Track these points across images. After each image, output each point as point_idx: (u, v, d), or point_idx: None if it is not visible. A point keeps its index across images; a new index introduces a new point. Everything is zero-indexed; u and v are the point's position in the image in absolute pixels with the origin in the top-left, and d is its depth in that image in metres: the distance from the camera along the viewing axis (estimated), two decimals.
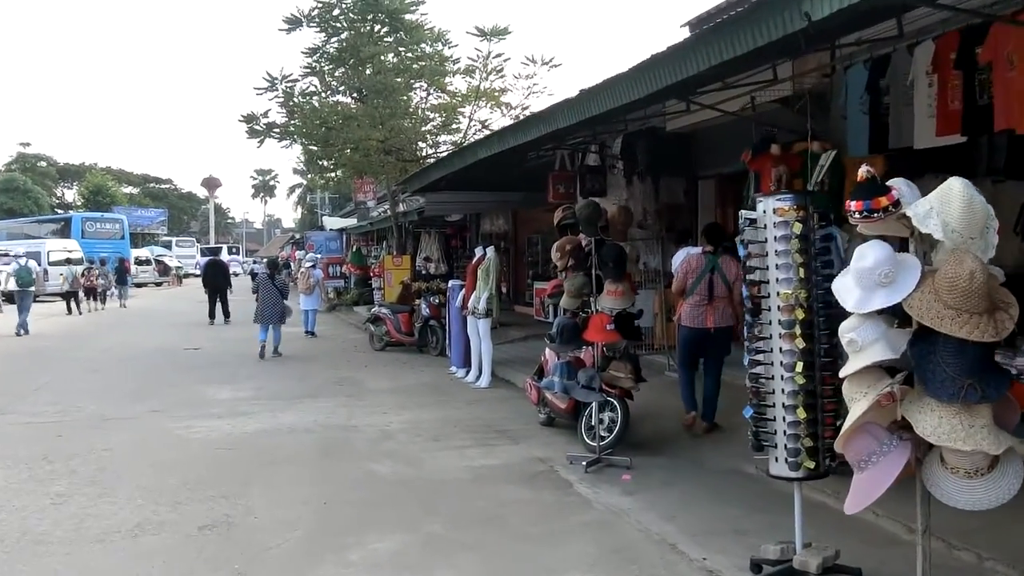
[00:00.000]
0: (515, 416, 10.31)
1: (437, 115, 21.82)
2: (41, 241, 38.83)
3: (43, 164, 75.87)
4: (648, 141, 11.57)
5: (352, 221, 38.16)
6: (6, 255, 28.32)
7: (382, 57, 20.50)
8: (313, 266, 22.22)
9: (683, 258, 8.94)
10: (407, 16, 20.66)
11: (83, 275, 29.53)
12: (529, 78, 20.49)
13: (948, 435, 3.60)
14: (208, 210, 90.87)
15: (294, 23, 19.98)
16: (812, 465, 4.65)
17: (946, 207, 3.64)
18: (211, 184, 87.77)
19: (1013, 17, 5.77)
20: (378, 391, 12.53)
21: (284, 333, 17.05)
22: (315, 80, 21.18)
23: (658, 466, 7.81)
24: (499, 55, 20.58)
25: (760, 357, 4.77)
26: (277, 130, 20.76)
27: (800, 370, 4.59)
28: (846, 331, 3.84)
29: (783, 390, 4.67)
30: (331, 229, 39.51)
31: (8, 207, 60.08)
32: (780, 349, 4.67)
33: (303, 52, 20.86)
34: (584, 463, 7.71)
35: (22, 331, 20.66)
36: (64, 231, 43.98)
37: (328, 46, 20.73)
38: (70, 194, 79.98)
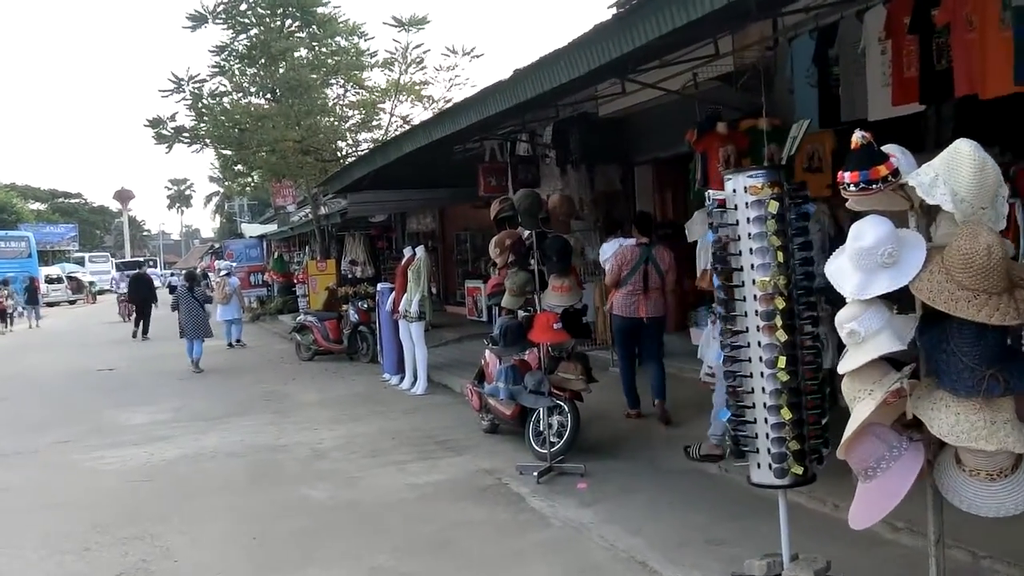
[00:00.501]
0: (456, 424, 9.73)
1: (356, 112, 21.08)
2: None
3: None
4: (580, 128, 11.10)
5: (272, 227, 37.14)
6: None
7: (295, 53, 19.63)
8: (228, 274, 21.36)
9: (615, 249, 9.03)
10: (319, 9, 19.78)
11: None
12: (451, 70, 20.01)
13: (968, 434, 3.13)
14: (122, 223, 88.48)
15: (198, 20, 18.95)
16: (800, 471, 4.16)
17: (954, 174, 3.16)
18: (124, 196, 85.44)
19: None
20: (308, 404, 11.84)
21: (206, 346, 16.38)
22: (224, 80, 20.24)
23: (614, 470, 7.30)
24: (419, 46, 20.00)
25: (736, 353, 4.25)
26: (186, 134, 19.76)
27: (783, 365, 4.09)
28: (845, 321, 3.34)
29: (764, 389, 4.16)
30: (251, 236, 38.41)
31: None
32: (759, 343, 4.16)
33: (210, 51, 19.88)
34: (535, 473, 7.16)
35: None
36: None
37: (237, 43, 19.78)
38: None
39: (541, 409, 7.52)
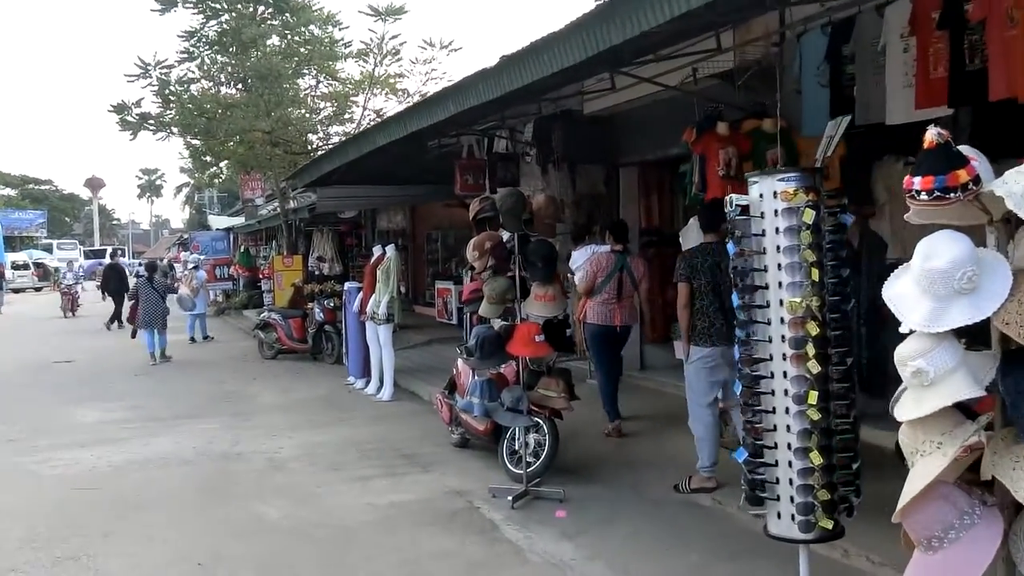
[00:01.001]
0: (423, 435, 9.08)
1: (328, 104, 20.38)
2: None
3: None
4: (564, 126, 10.53)
5: (240, 220, 36.27)
6: None
7: (267, 41, 18.90)
8: (196, 267, 20.66)
9: (588, 256, 8.88)
10: None
11: None
12: (427, 63, 19.47)
13: None
14: (92, 211, 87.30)
15: (168, 3, 18.22)
16: (829, 525, 3.57)
17: None
18: (94, 185, 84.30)
19: None
20: (268, 408, 11.14)
21: (169, 341, 15.98)
22: (193, 67, 19.50)
23: (595, 497, 6.69)
24: (395, 36, 19.39)
25: (756, 385, 3.66)
26: (152, 122, 18.96)
27: (814, 402, 3.50)
28: (911, 357, 2.74)
29: (789, 427, 3.58)
30: (217, 229, 37.50)
31: None
32: (784, 374, 3.57)
33: (179, 35, 19.08)
34: (510, 497, 6.54)
35: None
36: None
37: (207, 29, 18.99)
38: None
39: (519, 427, 6.90)
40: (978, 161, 2.72)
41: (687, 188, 7.71)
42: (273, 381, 13.34)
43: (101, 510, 6.83)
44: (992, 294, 2.66)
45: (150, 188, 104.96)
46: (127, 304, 21.38)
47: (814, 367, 3.49)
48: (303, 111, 20.10)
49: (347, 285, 13.24)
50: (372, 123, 18.44)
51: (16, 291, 42.19)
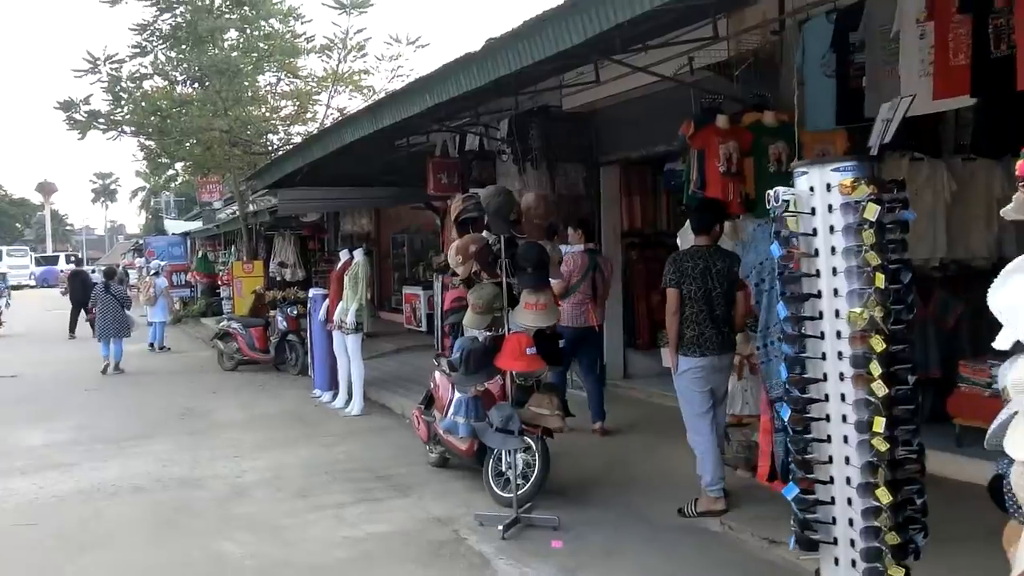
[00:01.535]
0: (398, 453, 8.50)
1: (289, 103, 19.71)
2: None
3: None
4: (542, 122, 10.01)
5: (197, 224, 35.37)
6: None
7: (224, 35, 18.19)
8: (156, 274, 19.96)
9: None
10: None
11: None
12: (393, 59, 19.06)
13: None
14: (44, 217, 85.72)
15: None
16: (900, 573, 3.05)
17: None
18: (46, 189, 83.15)
19: None
20: (229, 424, 10.47)
21: (125, 350, 15.40)
22: (146, 62, 18.74)
23: (592, 523, 6.13)
24: (360, 31, 18.90)
25: (808, 410, 3.14)
26: (102, 120, 18.16)
27: (880, 429, 2.99)
28: None
29: (848, 459, 3.06)
30: (174, 234, 36.58)
31: None
32: (843, 397, 3.05)
33: (131, 29, 18.29)
34: (500, 526, 5.96)
35: None
36: None
37: (161, 22, 18.24)
38: None
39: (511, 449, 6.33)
40: None
41: (684, 187, 7.18)
42: (234, 395, 12.65)
43: (41, 550, 6.16)
44: None
45: (104, 192, 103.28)
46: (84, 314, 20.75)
47: (880, 389, 2.98)
48: (263, 110, 19.48)
49: (312, 292, 12.58)
50: (335, 121, 17.89)
51: None
